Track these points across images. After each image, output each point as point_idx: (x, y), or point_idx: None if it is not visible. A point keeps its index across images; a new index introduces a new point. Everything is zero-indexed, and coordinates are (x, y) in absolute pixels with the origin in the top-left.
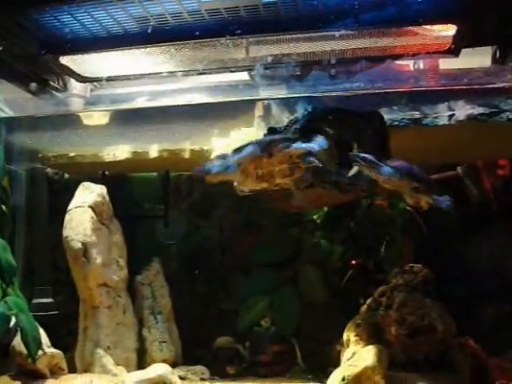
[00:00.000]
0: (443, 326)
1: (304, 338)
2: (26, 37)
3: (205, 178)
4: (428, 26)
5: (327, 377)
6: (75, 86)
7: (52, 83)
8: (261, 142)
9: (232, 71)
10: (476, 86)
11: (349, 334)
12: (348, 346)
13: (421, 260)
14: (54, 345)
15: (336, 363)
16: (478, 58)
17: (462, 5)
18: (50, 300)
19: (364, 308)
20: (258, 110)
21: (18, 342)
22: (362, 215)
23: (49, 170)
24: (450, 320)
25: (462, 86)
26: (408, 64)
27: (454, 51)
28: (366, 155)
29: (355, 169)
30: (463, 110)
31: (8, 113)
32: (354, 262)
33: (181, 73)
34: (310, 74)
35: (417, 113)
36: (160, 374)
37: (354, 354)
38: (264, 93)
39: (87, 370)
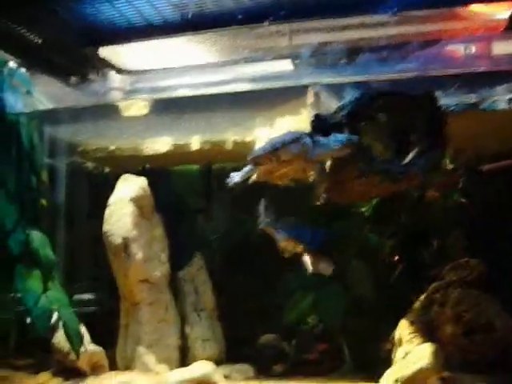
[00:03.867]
0: (502, 324)
1: (352, 336)
2: (64, 28)
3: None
4: (481, 9)
5: (379, 376)
6: (115, 79)
7: (91, 76)
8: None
9: (275, 59)
10: None
11: (401, 333)
12: (400, 345)
13: (476, 254)
14: (95, 342)
15: (386, 362)
16: None
17: None
18: (91, 296)
19: (417, 305)
20: (309, 98)
21: (58, 339)
22: (413, 207)
23: (89, 163)
24: (508, 318)
25: None
26: (459, 49)
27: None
28: (266, 221)
29: (410, 156)
30: None
31: (47, 105)
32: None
33: (223, 62)
34: (360, 58)
35: (474, 96)
36: (204, 372)
37: (407, 353)
38: (309, 79)
39: (128, 367)
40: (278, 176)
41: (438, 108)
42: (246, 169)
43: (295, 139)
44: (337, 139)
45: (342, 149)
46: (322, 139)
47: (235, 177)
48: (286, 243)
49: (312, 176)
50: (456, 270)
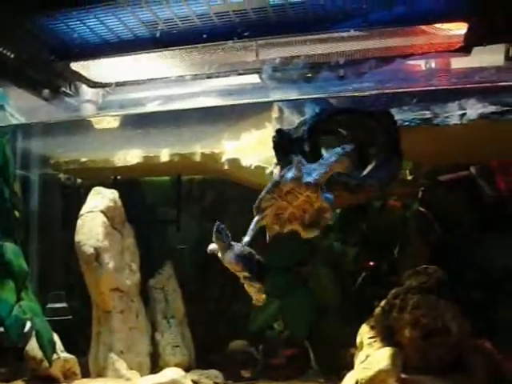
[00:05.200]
0: (458, 328)
1: (317, 341)
2: (37, 44)
3: None
4: (439, 25)
5: (340, 380)
6: (87, 92)
7: (64, 89)
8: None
9: (242, 74)
10: (488, 84)
11: (362, 337)
12: (361, 349)
13: (435, 262)
14: (69, 349)
15: (351, 366)
16: (489, 56)
17: (472, 2)
18: (64, 305)
19: (378, 310)
20: (274, 112)
21: (31, 347)
22: (375, 217)
23: (61, 175)
24: (464, 322)
25: (474, 84)
26: (419, 64)
27: (465, 50)
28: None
29: (368, 168)
30: (475, 109)
31: (19, 119)
32: (371, 263)
33: (192, 76)
34: (319, 75)
35: (427, 112)
36: (173, 378)
37: (367, 356)
38: (274, 95)
39: (101, 374)
40: (287, 220)
41: (394, 123)
42: (252, 225)
43: (289, 168)
44: (333, 153)
45: (340, 160)
46: (313, 165)
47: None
48: (232, 264)
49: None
50: (415, 277)
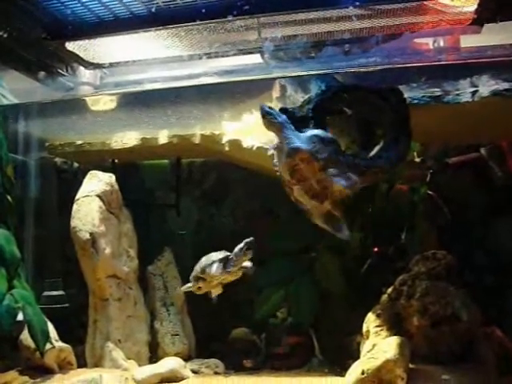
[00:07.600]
0: (468, 316)
1: (322, 330)
2: (29, 22)
3: None
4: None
5: (346, 370)
6: (85, 74)
7: (60, 71)
8: None
9: (244, 53)
10: (501, 59)
11: (368, 325)
12: (368, 338)
13: (444, 246)
14: (66, 338)
15: (356, 355)
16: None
17: None
18: (60, 292)
19: (384, 298)
20: (275, 92)
21: (25, 336)
22: (381, 200)
23: (58, 159)
24: (475, 309)
25: (486, 59)
26: (427, 42)
27: (476, 26)
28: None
29: (376, 149)
30: (487, 86)
31: (12, 101)
32: (378, 248)
33: (191, 57)
34: (324, 51)
35: (437, 90)
36: (172, 367)
37: (374, 345)
38: (276, 73)
39: (97, 364)
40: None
41: (403, 101)
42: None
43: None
44: None
45: None
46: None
47: None
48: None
49: None
50: (423, 262)
